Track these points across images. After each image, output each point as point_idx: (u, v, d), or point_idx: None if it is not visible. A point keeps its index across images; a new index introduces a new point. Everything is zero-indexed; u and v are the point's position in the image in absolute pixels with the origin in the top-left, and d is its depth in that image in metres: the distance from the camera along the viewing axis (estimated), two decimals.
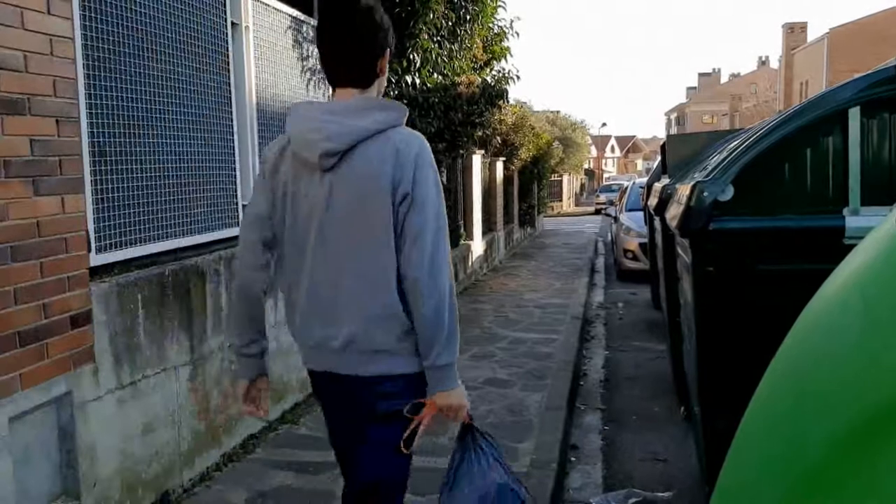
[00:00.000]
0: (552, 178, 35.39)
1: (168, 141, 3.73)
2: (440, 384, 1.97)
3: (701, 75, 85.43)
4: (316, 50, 5.47)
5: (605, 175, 69.34)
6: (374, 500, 2.08)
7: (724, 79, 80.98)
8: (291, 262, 2.07)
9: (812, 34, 45.94)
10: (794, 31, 47.36)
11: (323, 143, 1.92)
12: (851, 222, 2.85)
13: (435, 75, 7.00)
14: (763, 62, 71.65)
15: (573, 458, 4.47)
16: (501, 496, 2.05)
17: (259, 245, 2.10)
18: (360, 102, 1.98)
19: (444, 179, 9.45)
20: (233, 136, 4.36)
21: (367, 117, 1.93)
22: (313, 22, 5.54)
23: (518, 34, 9.28)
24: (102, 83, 3.26)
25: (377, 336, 1.96)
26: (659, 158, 8.49)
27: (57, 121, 2.91)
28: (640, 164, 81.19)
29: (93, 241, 3.18)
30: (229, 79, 4.33)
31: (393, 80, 6.37)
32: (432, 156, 1.99)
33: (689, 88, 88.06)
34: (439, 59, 6.84)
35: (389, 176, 1.89)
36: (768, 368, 1.12)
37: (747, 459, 1.05)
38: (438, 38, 6.98)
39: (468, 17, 7.58)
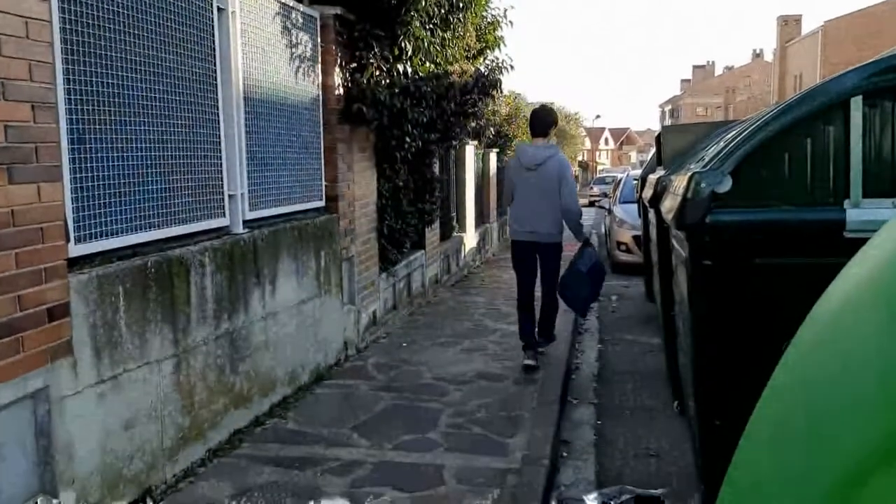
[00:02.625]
0: None
1: (151, 129, 3.62)
2: (578, 237, 5.96)
3: (695, 67, 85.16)
4: (305, 37, 5.35)
5: (599, 167, 69.23)
6: (552, 279, 5.90)
7: (718, 71, 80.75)
8: (520, 202, 5.86)
9: (806, 27, 45.79)
10: (789, 24, 47.17)
11: (534, 161, 5.77)
12: (853, 215, 2.77)
13: (427, 64, 6.88)
14: (757, 55, 71.27)
15: (565, 454, 4.40)
16: (598, 266, 5.92)
17: (511, 196, 5.99)
18: (546, 145, 5.92)
19: (437, 170, 9.34)
20: (219, 124, 4.25)
21: (549, 151, 5.82)
22: (302, 8, 5.42)
23: (512, 23, 9.12)
24: (82, 68, 3.15)
25: (552, 229, 5.78)
26: (653, 150, 8.40)
27: (33, 106, 2.81)
28: (634, 157, 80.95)
29: (72, 230, 3.08)
30: (215, 65, 4.22)
31: (384, 69, 6.25)
32: (568, 160, 6.15)
33: (683, 81, 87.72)
34: (431, 48, 6.70)
35: (557, 172, 5.72)
36: (773, 376, 1.01)
37: (753, 482, 0.95)
38: (430, 25, 6.85)
39: (461, 5, 7.44)
